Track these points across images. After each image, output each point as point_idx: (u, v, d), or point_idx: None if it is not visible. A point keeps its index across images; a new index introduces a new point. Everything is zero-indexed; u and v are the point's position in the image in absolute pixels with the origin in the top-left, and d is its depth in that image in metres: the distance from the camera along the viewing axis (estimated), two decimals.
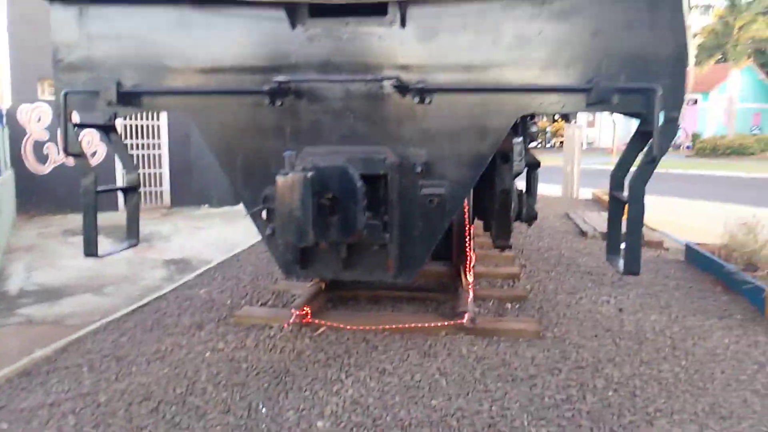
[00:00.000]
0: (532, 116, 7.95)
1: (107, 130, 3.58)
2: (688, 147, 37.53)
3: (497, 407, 3.07)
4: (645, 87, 2.78)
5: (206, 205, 13.06)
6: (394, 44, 3.06)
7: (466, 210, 4.35)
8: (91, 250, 3.35)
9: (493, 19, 2.96)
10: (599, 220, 8.90)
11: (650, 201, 11.96)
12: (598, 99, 2.82)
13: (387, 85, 3.06)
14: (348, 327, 4.06)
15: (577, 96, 2.93)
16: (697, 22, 42.88)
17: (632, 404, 3.14)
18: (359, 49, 3.10)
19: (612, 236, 3.26)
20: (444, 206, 3.16)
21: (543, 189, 15.11)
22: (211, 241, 8.89)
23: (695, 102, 44.53)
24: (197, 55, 3.23)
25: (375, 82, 3.05)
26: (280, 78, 3.02)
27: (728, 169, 23.46)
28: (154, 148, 12.66)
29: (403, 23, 3.02)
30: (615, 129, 34.89)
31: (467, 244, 4.42)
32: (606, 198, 11.20)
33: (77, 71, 3.29)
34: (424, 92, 3.01)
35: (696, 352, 3.88)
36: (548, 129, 40.86)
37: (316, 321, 4.12)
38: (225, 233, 9.57)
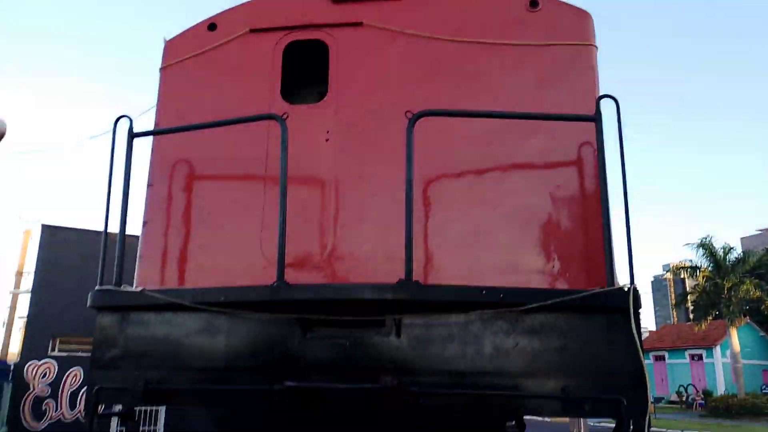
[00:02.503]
0: None
1: (125, 417, 3.87)
2: (701, 404, 36.41)
3: None
4: (611, 398, 3.15)
5: None
6: (390, 351, 3.52)
7: None
8: None
9: (474, 332, 3.46)
10: None
11: None
12: (571, 406, 3.17)
13: (383, 387, 3.42)
14: None
15: (553, 401, 3.27)
16: (687, 283, 44.99)
17: None
18: (361, 354, 3.54)
19: None
20: None
21: None
22: None
23: (700, 357, 44.43)
24: (218, 356, 3.67)
25: (375, 392, 3.41)
26: (287, 376, 3.40)
27: None
28: None
29: (398, 333, 3.51)
30: None
31: None
32: None
33: (111, 369, 3.71)
34: (416, 394, 3.36)
35: None
36: None
37: None
38: None
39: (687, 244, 38.37)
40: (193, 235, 4.19)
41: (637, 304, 3.26)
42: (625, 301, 3.25)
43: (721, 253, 36.64)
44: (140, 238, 4.22)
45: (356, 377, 3.49)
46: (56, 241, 13.75)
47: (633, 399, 3.15)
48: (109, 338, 3.76)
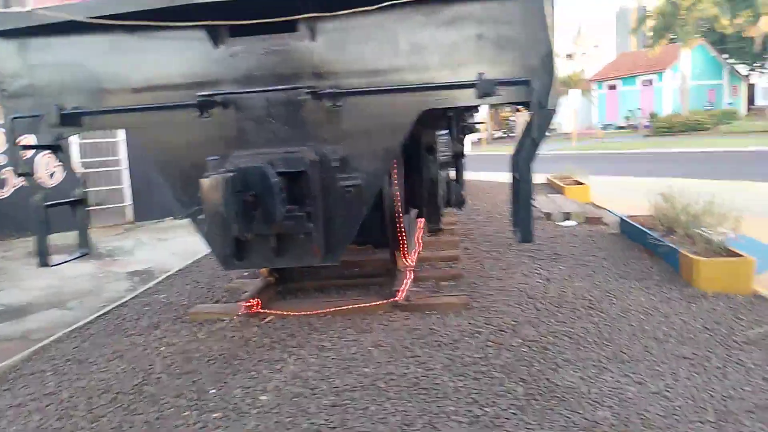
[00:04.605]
0: (469, 109, 8.35)
1: (54, 149, 3.89)
2: (646, 126, 38.50)
3: (422, 369, 3.46)
4: (521, 80, 3.21)
5: (170, 218, 13.25)
6: (307, 56, 3.44)
7: (397, 200, 4.74)
8: (43, 261, 3.66)
9: (390, 29, 3.35)
10: (547, 203, 9.31)
11: (603, 180, 12.31)
12: (484, 92, 3.22)
13: (302, 92, 3.43)
14: (293, 313, 4.43)
15: (468, 91, 3.33)
16: (648, 4, 44.00)
17: (543, 356, 3.56)
18: (276, 62, 3.47)
19: (514, 211, 3.68)
20: (361, 195, 3.54)
21: (499, 177, 15.61)
22: (175, 251, 9.13)
23: (650, 82, 45.74)
24: (131, 76, 3.56)
25: (291, 90, 3.42)
26: (204, 92, 3.38)
27: (683, 146, 24.20)
28: (113, 165, 12.81)
29: (313, 37, 3.40)
30: (575, 115, 35.57)
31: (399, 231, 4.81)
32: (557, 181, 11.71)
33: (22, 98, 3.61)
34: (335, 96, 3.39)
35: (610, 310, 4.33)
36: (513, 118, 41.60)
37: (264, 311, 4.47)
38: (189, 243, 9.79)
39: None
40: None
41: None
42: None
43: None
44: None
45: (274, 85, 3.47)
46: None
47: (542, 82, 3.22)
48: (12, 67, 3.59)
